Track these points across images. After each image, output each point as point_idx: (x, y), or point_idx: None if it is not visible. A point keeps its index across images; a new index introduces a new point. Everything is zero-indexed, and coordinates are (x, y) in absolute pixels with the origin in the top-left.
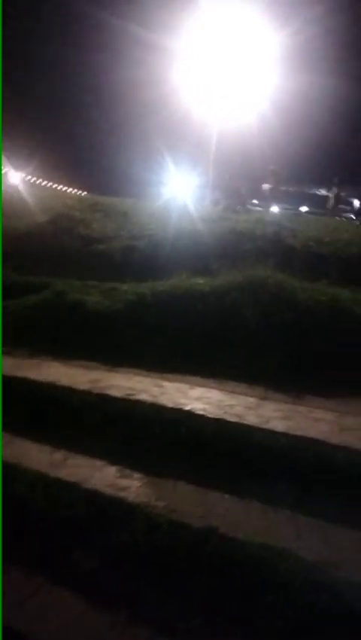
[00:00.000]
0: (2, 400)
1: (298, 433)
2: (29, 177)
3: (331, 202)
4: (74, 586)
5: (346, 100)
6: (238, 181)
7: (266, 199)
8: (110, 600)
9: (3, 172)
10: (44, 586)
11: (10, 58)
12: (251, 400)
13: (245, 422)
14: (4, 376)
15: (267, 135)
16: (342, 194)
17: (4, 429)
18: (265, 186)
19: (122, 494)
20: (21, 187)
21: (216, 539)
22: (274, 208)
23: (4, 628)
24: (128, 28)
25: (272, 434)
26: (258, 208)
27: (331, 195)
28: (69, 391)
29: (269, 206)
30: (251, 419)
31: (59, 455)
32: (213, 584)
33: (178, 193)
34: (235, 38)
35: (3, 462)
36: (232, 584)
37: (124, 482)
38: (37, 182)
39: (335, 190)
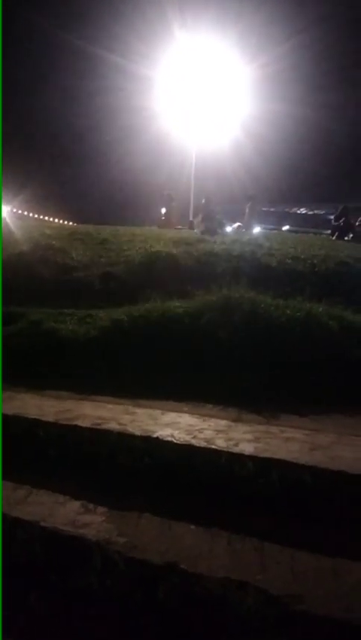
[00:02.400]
0: None
1: (267, 455)
2: (15, 209)
3: (246, 215)
4: (26, 637)
5: (313, 126)
6: (214, 204)
7: (248, 220)
8: None
9: None
10: None
11: None
12: (223, 422)
13: (213, 447)
14: None
15: (242, 160)
16: (257, 208)
17: None
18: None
19: (82, 531)
20: (7, 219)
21: (177, 576)
22: (256, 229)
23: None
24: (108, 58)
25: (240, 457)
26: (240, 230)
27: (246, 208)
28: (35, 424)
29: (251, 227)
30: (220, 443)
31: (21, 492)
32: (171, 626)
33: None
34: (211, 68)
35: None
36: (189, 624)
37: (86, 517)
38: (23, 214)
39: (250, 203)
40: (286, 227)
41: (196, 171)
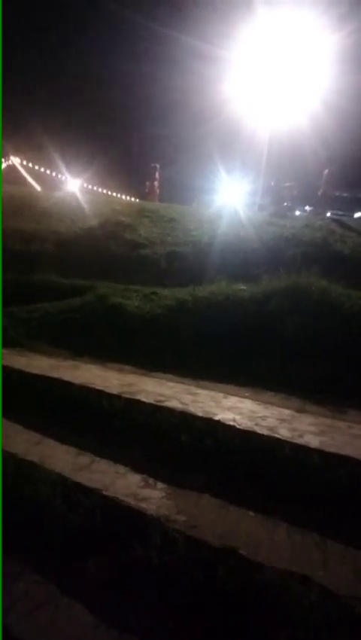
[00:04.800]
0: (37, 400)
1: (333, 450)
2: (86, 184)
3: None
4: (85, 599)
5: None
6: (285, 187)
7: (318, 204)
8: (120, 619)
9: (62, 179)
10: (55, 594)
11: (69, 72)
12: (286, 412)
13: (276, 436)
14: (40, 376)
15: (320, 140)
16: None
17: (36, 429)
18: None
19: (142, 505)
20: (78, 193)
21: (236, 561)
22: (326, 214)
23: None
24: (181, 40)
25: (305, 449)
26: (309, 214)
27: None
28: (100, 395)
29: (321, 212)
30: (283, 433)
31: (84, 459)
32: (226, 610)
33: (229, 199)
34: (289, 41)
35: (29, 462)
36: (247, 612)
37: (146, 492)
38: (93, 189)
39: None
40: (358, 214)
41: (271, 152)
